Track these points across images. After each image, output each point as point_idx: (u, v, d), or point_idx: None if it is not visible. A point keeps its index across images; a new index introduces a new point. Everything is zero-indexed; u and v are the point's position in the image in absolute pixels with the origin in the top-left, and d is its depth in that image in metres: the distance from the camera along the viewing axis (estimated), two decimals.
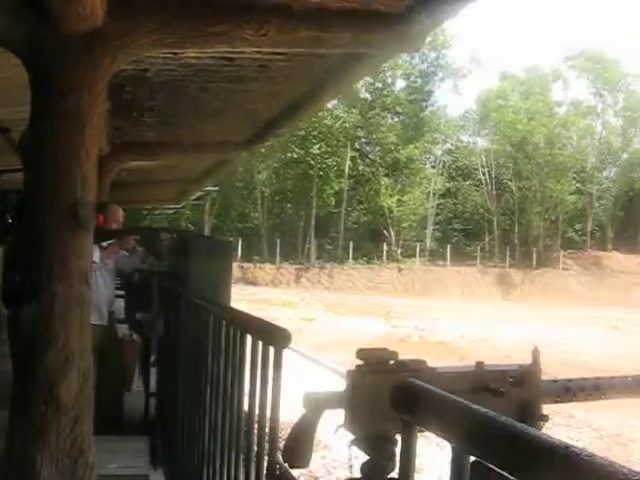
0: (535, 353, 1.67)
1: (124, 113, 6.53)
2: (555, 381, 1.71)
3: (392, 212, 53.95)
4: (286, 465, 1.66)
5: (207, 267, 5.34)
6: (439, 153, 58.22)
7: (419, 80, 56.18)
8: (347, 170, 53.35)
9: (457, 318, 29.25)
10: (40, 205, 3.65)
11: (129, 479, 5.07)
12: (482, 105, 56.82)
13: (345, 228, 54.68)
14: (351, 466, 1.47)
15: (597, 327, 28.16)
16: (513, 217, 56.16)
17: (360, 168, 55.16)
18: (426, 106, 57.73)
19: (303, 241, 53.49)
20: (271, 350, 1.88)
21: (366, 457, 1.40)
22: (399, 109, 55.82)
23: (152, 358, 6.65)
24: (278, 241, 50.58)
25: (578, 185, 56.17)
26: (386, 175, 54.77)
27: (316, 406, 1.37)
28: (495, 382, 1.59)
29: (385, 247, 52.82)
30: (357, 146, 55.63)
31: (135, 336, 7.54)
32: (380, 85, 53.87)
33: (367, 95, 53.76)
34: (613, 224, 56.23)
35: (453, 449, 0.98)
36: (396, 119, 56.60)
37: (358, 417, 1.38)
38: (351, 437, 1.42)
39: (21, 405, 3.71)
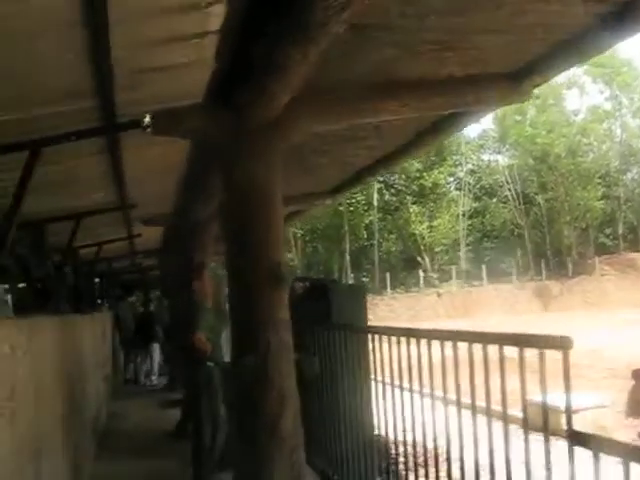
0: None
1: None
2: None
3: (424, 238, 54.47)
4: None
5: (347, 307, 6.06)
6: (462, 175, 58.76)
7: None
8: (375, 202, 54.07)
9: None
10: (247, 268, 4.36)
11: None
12: (499, 123, 57.44)
13: (380, 259, 55.21)
14: None
15: None
16: (543, 229, 56.38)
17: (387, 198, 55.88)
18: None
19: (340, 277, 54.00)
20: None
21: None
22: None
23: None
24: None
25: (604, 190, 56.33)
26: (414, 203, 55.41)
27: None
28: None
29: (421, 273, 53.20)
30: (382, 178, 56.35)
31: None
32: None
33: None
34: None
35: None
36: None
37: None
38: None
39: (247, 437, 4.39)
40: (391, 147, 6.94)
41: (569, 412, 2.56)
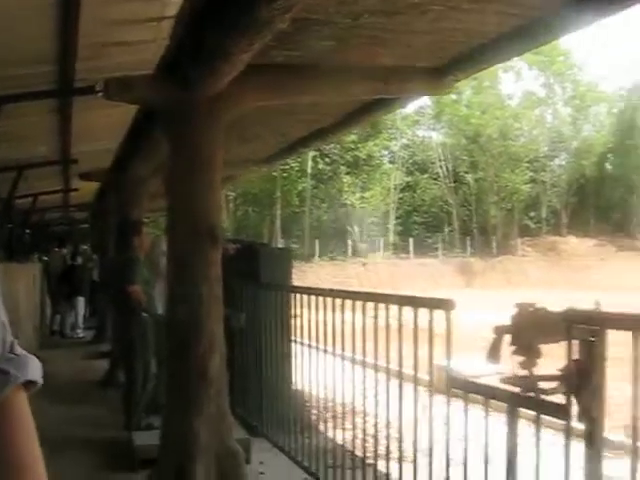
0: None
1: None
2: None
3: (355, 209, 55.28)
4: None
5: (274, 269, 6.58)
6: (396, 149, 59.65)
7: None
8: (309, 170, 54.49)
9: None
10: (187, 228, 4.82)
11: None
12: (435, 101, 58.29)
13: (310, 227, 55.83)
14: None
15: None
16: (471, 208, 57.89)
17: (321, 167, 56.32)
18: None
19: (269, 242, 54.31)
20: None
21: None
22: None
23: None
24: None
25: (532, 174, 58.01)
26: (347, 173, 56.06)
27: None
28: None
29: (350, 243, 54.08)
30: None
31: None
32: None
33: None
34: (567, 210, 58.28)
35: None
36: None
37: None
38: None
39: (177, 380, 4.88)
40: (325, 122, 7.43)
41: (449, 363, 3.14)
